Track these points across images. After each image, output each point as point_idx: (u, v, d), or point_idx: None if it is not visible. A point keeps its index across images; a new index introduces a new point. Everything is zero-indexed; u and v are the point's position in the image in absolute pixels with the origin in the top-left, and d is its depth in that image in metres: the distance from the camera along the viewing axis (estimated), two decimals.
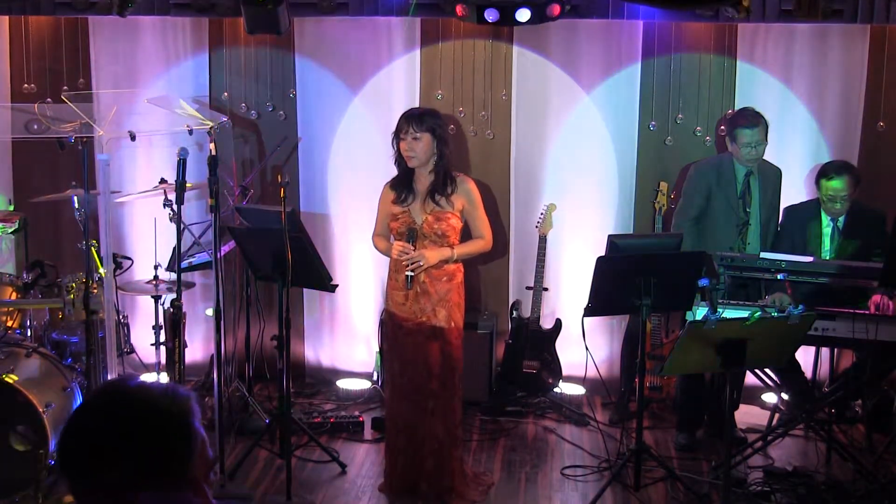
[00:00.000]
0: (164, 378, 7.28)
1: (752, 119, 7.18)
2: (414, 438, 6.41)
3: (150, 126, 7.77)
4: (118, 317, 7.21)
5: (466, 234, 6.49)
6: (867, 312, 6.56)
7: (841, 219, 7.15)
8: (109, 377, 6.60)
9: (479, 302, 8.33)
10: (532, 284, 7.90)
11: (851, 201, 7.10)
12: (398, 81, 8.23)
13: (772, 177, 7.48)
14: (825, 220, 7.18)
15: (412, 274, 6.23)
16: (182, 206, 6.34)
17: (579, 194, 8.18)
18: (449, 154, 6.45)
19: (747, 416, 7.74)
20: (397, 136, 6.36)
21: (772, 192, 7.45)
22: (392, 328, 6.50)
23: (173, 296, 6.56)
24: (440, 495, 6.38)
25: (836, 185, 7.05)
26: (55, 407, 6.08)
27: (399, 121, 6.41)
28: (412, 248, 6.25)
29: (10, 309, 6.87)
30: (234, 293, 8.05)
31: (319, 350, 8.65)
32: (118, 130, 7.35)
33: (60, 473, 2.38)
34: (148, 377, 7.79)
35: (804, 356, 7.37)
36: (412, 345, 6.36)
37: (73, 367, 6.77)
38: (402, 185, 6.42)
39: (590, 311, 6.36)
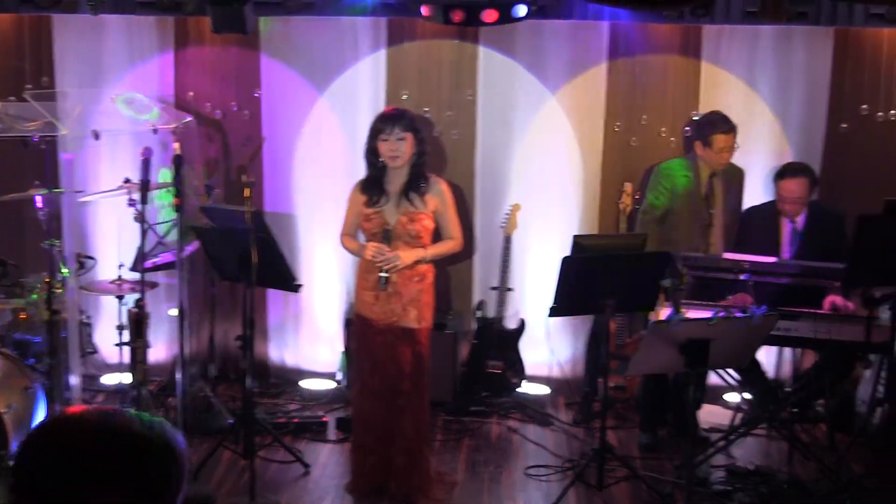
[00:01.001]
0: (126, 378, 7.27)
1: (727, 124, 7.25)
2: (383, 437, 6.41)
3: (115, 125, 7.72)
4: (81, 317, 7.18)
5: (436, 236, 6.50)
6: (829, 313, 6.62)
7: (800, 219, 7.20)
8: (71, 378, 6.56)
9: (445, 302, 8.33)
10: (497, 285, 7.91)
11: (810, 203, 7.16)
12: (364, 81, 8.21)
13: (735, 178, 7.54)
14: (784, 220, 7.23)
15: (387, 275, 6.23)
16: (146, 206, 6.32)
17: (544, 194, 8.20)
18: (429, 153, 6.49)
19: (710, 415, 7.76)
20: (376, 136, 6.34)
21: (735, 192, 7.51)
22: (361, 328, 6.48)
23: (137, 296, 6.53)
24: (409, 495, 6.39)
25: (791, 185, 7.12)
26: (17, 408, 6.04)
27: (377, 122, 6.38)
28: (387, 248, 6.25)
29: None
30: (199, 293, 8.02)
31: (283, 350, 8.63)
32: (82, 129, 7.31)
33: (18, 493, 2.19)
34: (111, 378, 7.79)
35: (767, 356, 7.42)
36: (383, 344, 6.35)
37: (36, 367, 6.72)
38: (373, 186, 6.39)
39: (554, 311, 6.37)
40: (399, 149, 6.27)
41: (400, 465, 6.41)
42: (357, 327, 6.58)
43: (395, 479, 6.42)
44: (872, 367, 7.25)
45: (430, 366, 6.52)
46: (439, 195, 6.38)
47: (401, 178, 6.35)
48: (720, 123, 7.28)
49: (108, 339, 7.69)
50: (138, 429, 2.23)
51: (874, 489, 6.49)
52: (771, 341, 6.55)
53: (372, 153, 6.38)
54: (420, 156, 6.35)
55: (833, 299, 6.74)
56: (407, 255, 6.25)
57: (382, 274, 6.20)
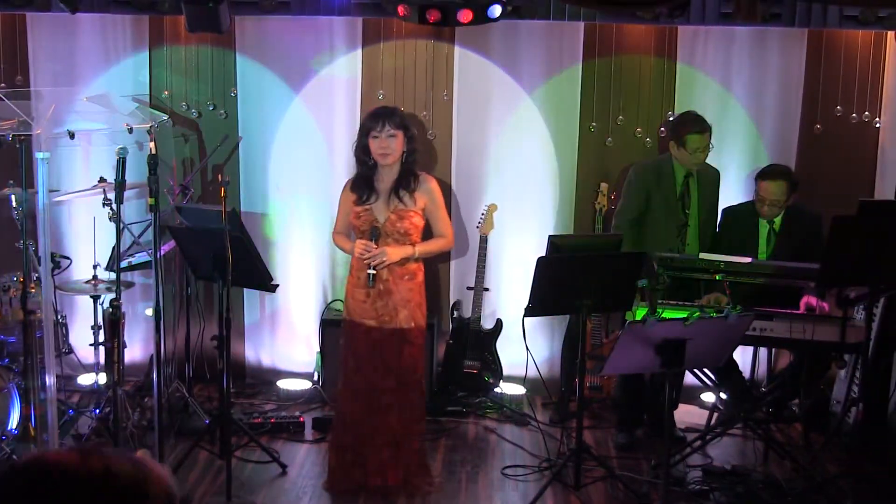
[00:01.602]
0: (102, 379, 7.24)
1: (701, 124, 7.24)
2: (363, 436, 6.43)
3: (90, 124, 7.68)
4: (56, 317, 7.13)
5: (426, 234, 6.52)
6: (804, 313, 6.65)
7: (777, 220, 7.23)
8: (47, 378, 6.51)
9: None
10: (473, 285, 7.91)
11: (786, 206, 7.18)
12: (340, 81, 8.20)
13: (710, 178, 7.55)
14: (762, 221, 7.25)
15: (374, 272, 6.23)
16: (121, 206, 6.29)
17: (520, 195, 8.20)
18: (419, 150, 6.53)
19: (686, 415, 7.79)
20: (366, 134, 6.36)
21: (710, 193, 7.52)
22: (350, 325, 6.50)
23: (112, 295, 6.50)
24: (387, 491, 6.42)
25: (770, 187, 7.14)
26: None
27: (367, 119, 6.44)
28: (374, 245, 6.26)
29: None
30: (175, 293, 7.99)
31: (260, 350, 8.60)
32: (57, 128, 7.27)
33: None
34: (87, 378, 7.75)
35: (742, 356, 7.45)
36: (369, 343, 6.39)
37: (11, 367, 6.69)
38: (363, 184, 6.42)
39: (530, 311, 6.36)
40: (390, 146, 6.30)
41: (383, 458, 6.44)
42: (346, 326, 6.59)
43: (378, 473, 6.44)
44: (847, 367, 7.28)
45: (422, 364, 6.61)
46: (429, 193, 6.41)
47: (391, 176, 6.38)
48: (694, 123, 7.27)
49: (84, 339, 7.66)
50: (129, 470, 2.06)
51: (848, 488, 6.53)
52: (746, 341, 6.58)
53: (362, 150, 6.40)
54: (411, 153, 6.39)
55: (808, 299, 6.78)
56: (394, 252, 6.28)
57: (370, 271, 6.22)
